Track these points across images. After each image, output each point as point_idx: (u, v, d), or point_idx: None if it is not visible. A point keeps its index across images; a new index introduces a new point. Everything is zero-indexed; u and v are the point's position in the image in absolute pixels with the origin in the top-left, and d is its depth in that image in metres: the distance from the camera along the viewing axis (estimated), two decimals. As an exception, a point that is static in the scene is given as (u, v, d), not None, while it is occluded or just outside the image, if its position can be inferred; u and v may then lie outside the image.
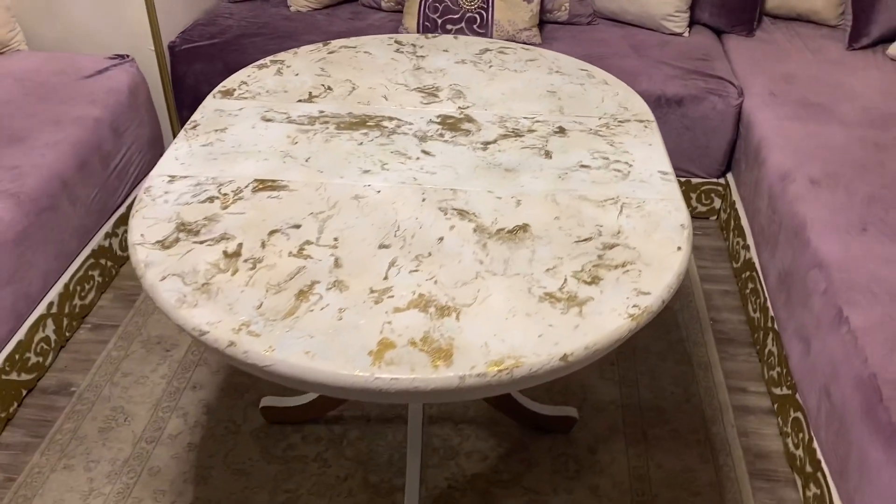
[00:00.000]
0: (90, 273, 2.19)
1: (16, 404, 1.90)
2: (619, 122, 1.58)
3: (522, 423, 1.88)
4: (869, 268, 1.72)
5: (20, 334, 1.90)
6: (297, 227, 1.24)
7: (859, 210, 1.91)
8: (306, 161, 1.41)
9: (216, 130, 1.50)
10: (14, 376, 1.88)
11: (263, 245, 1.19)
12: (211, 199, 1.29)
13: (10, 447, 1.82)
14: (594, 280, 1.15)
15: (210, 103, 1.60)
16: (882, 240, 1.81)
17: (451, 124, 1.54)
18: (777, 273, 2.02)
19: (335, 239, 1.21)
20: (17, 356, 1.88)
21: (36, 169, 1.97)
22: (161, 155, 2.56)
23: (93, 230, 2.21)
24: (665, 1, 2.72)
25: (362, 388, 0.98)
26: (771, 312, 2.05)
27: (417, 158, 1.43)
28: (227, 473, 1.76)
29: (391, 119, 1.56)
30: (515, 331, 1.05)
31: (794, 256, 1.91)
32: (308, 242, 1.20)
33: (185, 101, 2.64)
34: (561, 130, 1.54)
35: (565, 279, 1.15)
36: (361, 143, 1.47)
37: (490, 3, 2.66)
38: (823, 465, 1.65)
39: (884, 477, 1.37)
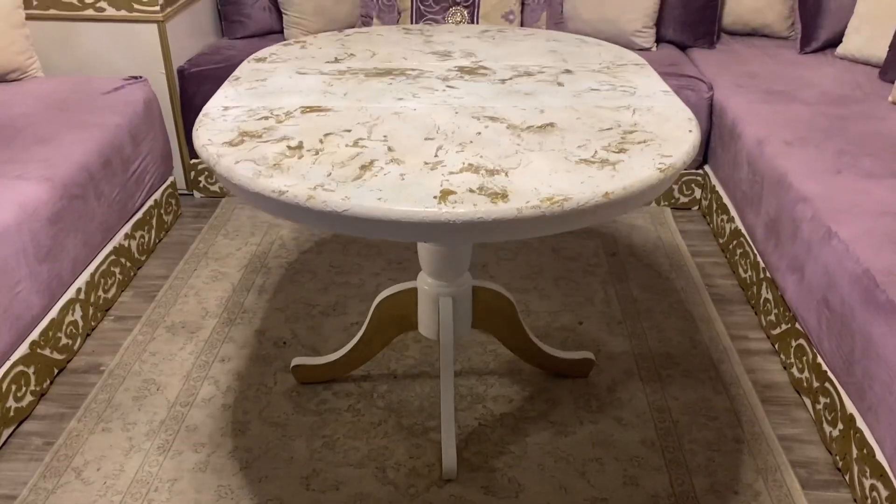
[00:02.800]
0: (112, 269, 2.27)
1: (48, 381, 1.93)
2: (618, 65, 1.76)
3: (543, 368, 1.97)
4: (847, 197, 1.90)
5: (53, 312, 1.96)
6: (349, 131, 1.37)
7: (831, 160, 2.10)
8: (344, 95, 1.55)
9: (257, 81, 1.64)
10: (47, 353, 1.92)
11: (321, 142, 1.32)
12: (266, 118, 1.42)
13: (46, 418, 1.85)
14: (621, 150, 1.29)
15: (246, 66, 1.74)
16: (855, 178, 1.99)
17: (468, 71, 1.71)
18: (763, 225, 2.18)
19: (384, 136, 1.35)
20: (49, 333, 1.94)
21: (66, 161, 2.08)
22: (171, 169, 2.69)
23: (115, 228, 2.30)
24: (633, 18, 2.99)
25: (432, 221, 1.09)
26: (762, 264, 2.20)
27: (444, 91, 1.58)
28: (264, 426, 1.81)
29: (413, 70, 1.72)
30: (560, 181, 1.18)
31: (778, 201, 2.08)
32: (361, 139, 1.33)
33: (193, 121, 2.78)
34: (568, 72, 1.71)
35: (595, 151, 1.29)
36: (391, 84, 1.62)
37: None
38: (829, 374, 1.76)
39: (888, 346, 1.50)
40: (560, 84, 1.62)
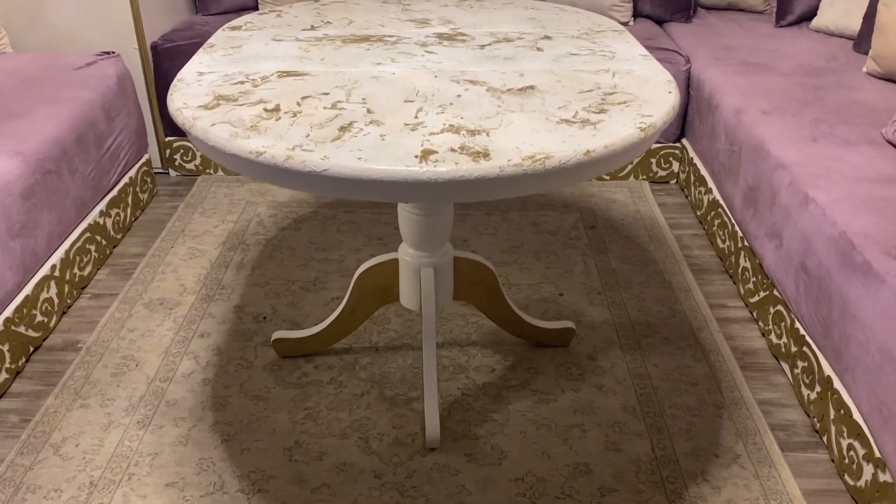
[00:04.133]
0: (87, 247, 2.23)
1: (24, 359, 1.90)
2: (596, 32, 1.75)
3: (524, 338, 1.98)
4: (824, 164, 1.91)
5: (27, 289, 1.93)
6: (326, 94, 1.35)
7: (808, 129, 2.12)
8: (321, 60, 1.53)
9: (233, 48, 1.62)
10: (22, 330, 1.89)
11: (299, 105, 1.30)
12: (241, 83, 1.40)
13: (23, 395, 1.83)
14: (602, 111, 1.29)
15: (221, 34, 1.72)
16: (832, 146, 2.01)
17: (446, 37, 1.70)
18: (742, 194, 2.19)
19: (363, 99, 1.33)
20: (24, 310, 1.90)
21: (38, 135, 2.04)
22: (146, 147, 2.65)
23: (90, 205, 2.26)
24: (610, -8, 2.98)
25: (415, 180, 1.08)
26: (740, 234, 2.22)
27: (423, 56, 1.57)
28: (245, 400, 1.80)
29: (391, 36, 1.70)
30: (541, 140, 1.18)
31: (756, 170, 2.09)
32: (339, 101, 1.32)
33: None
34: (547, 38, 1.70)
35: (576, 112, 1.28)
36: (368, 49, 1.61)
37: None
38: (807, 338, 1.78)
39: (864, 307, 1.52)
40: (539, 49, 1.61)
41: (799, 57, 2.69)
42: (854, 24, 2.80)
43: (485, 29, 1.76)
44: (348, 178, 1.10)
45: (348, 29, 1.75)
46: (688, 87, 2.74)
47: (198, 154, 2.86)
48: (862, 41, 2.69)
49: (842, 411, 1.62)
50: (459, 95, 1.35)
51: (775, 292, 1.97)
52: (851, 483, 1.57)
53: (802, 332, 1.81)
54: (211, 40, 1.67)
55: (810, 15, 3.00)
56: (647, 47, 2.75)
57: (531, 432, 1.72)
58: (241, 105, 1.30)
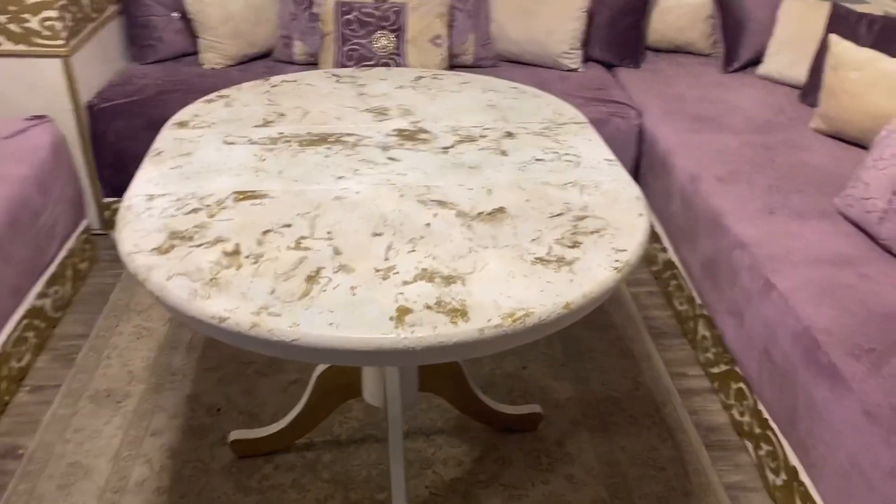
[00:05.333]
0: (25, 335, 2.11)
1: (-40, 473, 1.79)
2: (559, 124, 1.72)
3: (492, 425, 1.94)
4: (782, 242, 1.93)
5: (-38, 397, 1.81)
6: (288, 226, 1.29)
7: (763, 198, 2.13)
8: (279, 173, 1.46)
9: (181, 155, 1.53)
10: (-42, 442, 1.77)
11: (260, 243, 1.23)
12: (195, 211, 1.32)
13: (-39, 516, 1.71)
14: (575, 244, 1.25)
15: (168, 134, 1.62)
16: (787, 220, 2.03)
17: (407, 135, 1.64)
18: (700, 264, 2.20)
19: (328, 232, 1.27)
20: (-41, 420, 1.78)
21: (-33, 226, 1.91)
22: (83, 213, 2.53)
23: (26, 289, 2.13)
24: (560, 39, 2.96)
25: (391, 349, 1.03)
26: (698, 301, 2.23)
27: (385, 164, 1.51)
28: (204, 511, 1.72)
29: (350, 135, 1.64)
30: (518, 289, 1.14)
31: (715, 244, 2.10)
32: (303, 237, 1.25)
33: (106, 159, 2.62)
34: (509, 135, 1.66)
35: (550, 246, 1.25)
36: (328, 156, 1.54)
37: (402, 50, 2.81)
38: (771, 422, 1.79)
39: (832, 411, 1.53)
40: (504, 153, 1.57)
41: (748, 109, 2.72)
42: (799, 75, 2.84)
43: (445, 122, 1.71)
44: (319, 348, 1.04)
45: (303, 124, 1.68)
46: (640, 140, 2.74)
47: (139, 215, 2.73)
48: (808, 93, 2.74)
49: (809, 505, 1.63)
50: (428, 224, 1.30)
51: (736, 369, 1.98)
52: (821, 580, 1.58)
53: (766, 415, 1.82)
54: (157, 144, 1.57)
55: (757, 60, 3.03)
56: (598, 100, 2.75)
57: (503, 535, 1.69)
58: (197, 245, 1.22)
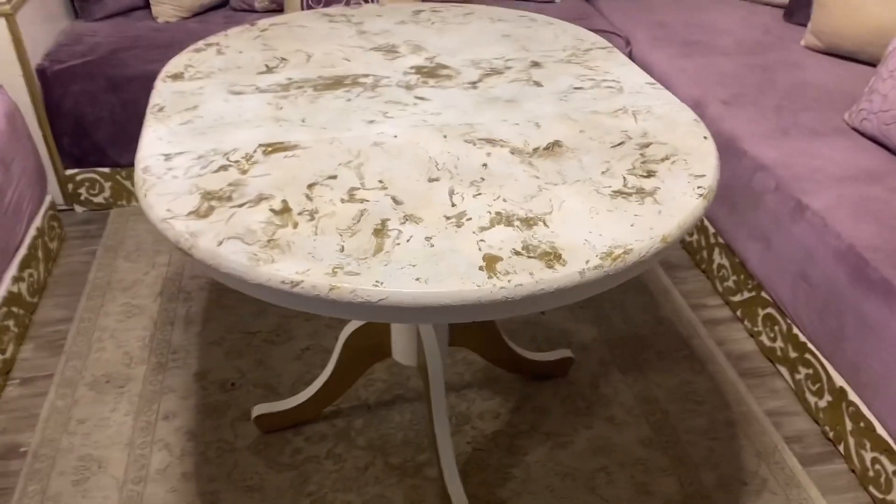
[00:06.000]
0: (6, 323, 1.93)
1: (-41, 479, 1.63)
2: (584, 51, 1.62)
3: (523, 374, 1.87)
4: (804, 162, 1.88)
5: (-49, 397, 1.64)
6: (334, 177, 1.16)
7: (773, 119, 2.08)
8: (303, 122, 1.32)
9: (187, 109, 1.37)
10: (-47, 447, 1.61)
11: (309, 198, 1.10)
12: (224, 168, 1.18)
13: (-31, 526, 1.56)
14: (650, 173, 1.16)
15: (163, 87, 1.46)
16: (803, 139, 1.98)
17: (427, 73, 1.51)
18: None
19: (380, 181, 1.15)
20: (-49, 423, 1.61)
21: (-69, 209, 1.71)
22: (46, 187, 2.32)
23: (0, 274, 1.94)
24: (535, -31, 2.83)
25: (489, 301, 0.93)
26: (712, 230, 2.18)
27: (415, 104, 1.38)
28: (237, 493, 1.61)
29: (366, 76, 1.50)
30: (607, 225, 1.04)
31: (731, 169, 2.04)
32: (355, 189, 1.13)
33: (64, 127, 2.40)
34: (536, 64, 1.55)
35: (623, 177, 1.15)
36: (350, 100, 1.40)
37: (373, -12, 2.64)
38: (810, 345, 1.77)
39: (891, 328, 1.50)
40: (537, 84, 1.46)
41: (735, 32, 2.65)
42: (781, -7, 2.78)
43: (463, 56, 1.58)
44: (409, 307, 0.93)
45: (311, 68, 1.53)
46: (629, 70, 2.65)
47: (106, 185, 2.53)
48: (793, 11, 2.68)
49: (861, 424, 1.61)
50: (485, 165, 1.19)
51: (763, 294, 1.94)
52: (879, 496, 1.57)
53: (803, 339, 1.79)
54: (156, 100, 1.41)
55: (733, -18, 2.96)
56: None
57: (556, 485, 1.63)
58: (239, 206, 1.08)
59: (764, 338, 1.96)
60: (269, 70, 1.53)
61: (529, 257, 0.98)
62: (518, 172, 1.17)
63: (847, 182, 1.79)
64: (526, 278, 0.95)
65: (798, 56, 2.44)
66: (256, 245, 1.00)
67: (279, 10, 2.77)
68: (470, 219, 1.06)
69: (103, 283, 2.22)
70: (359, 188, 1.13)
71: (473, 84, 1.46)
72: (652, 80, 1.47)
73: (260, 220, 1.05)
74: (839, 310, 1.64)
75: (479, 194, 1.11)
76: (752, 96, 2.20)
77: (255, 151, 1.23)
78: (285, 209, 1.08)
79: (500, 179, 1.15)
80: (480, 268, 0.96)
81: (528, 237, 1.02)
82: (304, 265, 0.96)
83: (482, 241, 1.01)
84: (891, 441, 1.53)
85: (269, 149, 1.23)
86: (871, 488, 1.59)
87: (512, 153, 1.22)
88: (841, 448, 1.69)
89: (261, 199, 1.10)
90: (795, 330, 1.82)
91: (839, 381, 1.68)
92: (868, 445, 1.60)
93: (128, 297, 2.17)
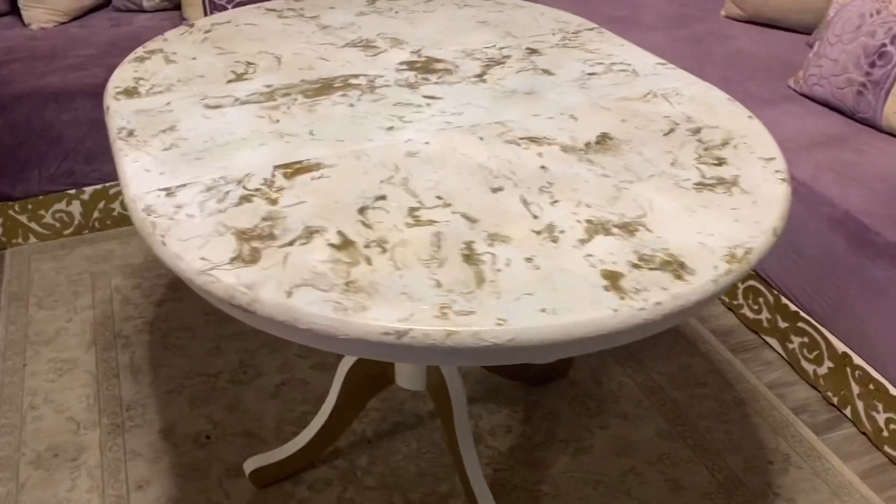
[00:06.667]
0: (-90, 404, 1.59)
1: None
2: (573, 33, 1.52)
3: (524, 379, 1.77)
4: (770, 130, 1.88)
5: None
6: (383, 198, 0.99)
7: (725, 90, 2.07)
8: (311, 135, 1.14)
9: (163, 131, 1.15)
10: None
11: (368, 226, 0.94)
12: (247, 199, 0.98)
13: None
14: (719, 161, 1.08)
15: (121, 108, 1.22)
16: (758, 108, 1.98)
17: (422, 68, 1.36)
18: (672, 168, 2.12)
19: (439, 198, 0.99)
20: None
21: None
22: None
23: None
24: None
25: (631, 326, 0.81)
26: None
27: (428, 105, 1.23)
28: (247, 563, 1.41)
29: (354, 76, 1.32)
30: (713, 224, 0.95)
31: (695, 144, 2.01)
32: (415, 209, 0.97)
33: (-60, 160, 2.03)
34: (533, 51, 1.43)
35: (700, 170, 1.06)
36: (352, 105, 1.23)
37: (281, -21, 2.42)
38: (803, 314, 1.77)
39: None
40: (546, 72, 1.34)
41: (654, 6, 2.65)
42: (689, -35, 2.80)
43: (450, 47, 1.44)
44: (540, 344, 0.80)
45: (288, 72, 1.34)
46: (557, 51, 2.59)
47: (-5, 223, 2.18)
48: (706, -18, 2.71)
49: (871, 386, 1.63)
50: (543, 167, 1.06)
51: (742, 268, 1.93)
52: (897, 455, 1.60)
53: (794, 308, 1.80)
54: (118, 122, 1.17)
55: (636, -44, 2.96)
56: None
57: (590, 495, 1.54)
58: (288, 244, 0.90)
59: (746, 311, 1.96)
60: (239, 77, 1.32)
61: (651, 269, 0.87)
62: (582, 172, 1.05)
63: (818, 149, 1.80)
64: (661, 294, 0.83)
65: (723, 26, 2.47)
66: (335, 291, 0.82)
67: (173, 8, 2.49)
68: (563, 231, 0.93)
69: (19, 338, 1.90)
70: (419, 207, 0.97)
71: (480, 77, 1.32)
72: (661, 60, 1.40)
73: (322, 259, 0.88)
74: (838, 278, 1.64)
75: (556, 201, 0.99)
76: (697, 69, 2.18)
77: (273, 175, 1.03)
78: (346, 243, 0.90)
79: (568, 182, 1.03)
80: (605, 287, 0.84)
81: (637, 246, 0.91)
82: (403, 310, 0.80)
83: (589, 255, 0.89)
84: (908, 400, 1.56)
85: (290, 170, 1.05)
86: (887, 448, 1.62)
87: (564, 151, 1.10)
88: (847, 412, 1.71)
89: (310, 232, 0.92)
90: (784, 300, 1.82)
91: (840, 346, 1.69)
92: (880, 407, 1.61)
93: (54, 351, 1.86)
